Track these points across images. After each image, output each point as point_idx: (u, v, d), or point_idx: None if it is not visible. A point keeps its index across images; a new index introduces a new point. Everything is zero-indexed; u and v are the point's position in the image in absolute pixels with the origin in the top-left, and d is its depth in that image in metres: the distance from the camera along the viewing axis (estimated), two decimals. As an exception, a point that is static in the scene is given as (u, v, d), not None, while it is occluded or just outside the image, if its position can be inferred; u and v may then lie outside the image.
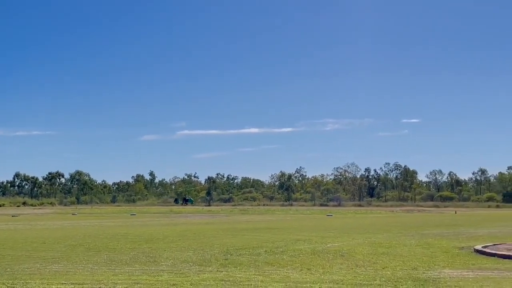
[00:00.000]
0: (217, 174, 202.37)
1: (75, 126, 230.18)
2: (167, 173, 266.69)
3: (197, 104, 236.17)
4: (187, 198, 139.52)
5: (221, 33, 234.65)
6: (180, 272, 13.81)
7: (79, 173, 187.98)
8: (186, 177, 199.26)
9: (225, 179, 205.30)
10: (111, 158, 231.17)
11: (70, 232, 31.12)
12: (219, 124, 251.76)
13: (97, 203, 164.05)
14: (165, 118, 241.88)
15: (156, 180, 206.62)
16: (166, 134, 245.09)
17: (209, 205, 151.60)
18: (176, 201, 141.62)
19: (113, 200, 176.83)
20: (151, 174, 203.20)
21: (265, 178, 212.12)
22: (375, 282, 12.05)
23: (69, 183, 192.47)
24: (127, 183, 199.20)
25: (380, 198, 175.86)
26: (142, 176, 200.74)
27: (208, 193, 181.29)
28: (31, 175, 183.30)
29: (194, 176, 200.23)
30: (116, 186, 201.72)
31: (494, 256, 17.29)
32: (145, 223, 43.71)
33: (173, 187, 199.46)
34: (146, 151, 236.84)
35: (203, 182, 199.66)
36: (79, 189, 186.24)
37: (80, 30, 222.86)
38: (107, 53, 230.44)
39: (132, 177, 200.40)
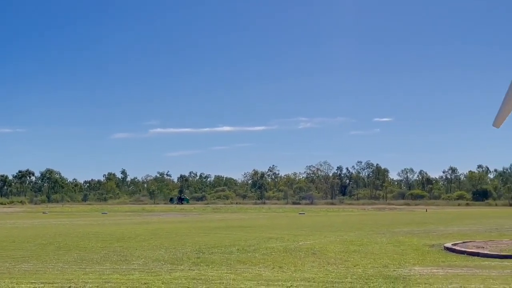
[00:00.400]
0: (190, 173, 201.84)
1: (46, 124, 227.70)
2: (139, 171, 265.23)
3: (170, 102, 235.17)
4: (183, 197, 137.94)
5: (195, 31, 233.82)
6: (152, 271, 13.74)
7: (49, 171, 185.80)
8: (158, 175, 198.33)
9: (198, 177, 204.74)
10: (83, 156, 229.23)
11: (40, 231, 30.76)
12: (192, 122, 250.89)
13: (68, 201, 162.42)
14: (137, 116, 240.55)
15: (128, 179, 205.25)
16: (139, 132, 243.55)
17: (182, 204, 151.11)
18: (171, 200, 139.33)
19: (84, 199, 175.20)
20: (123, 172, 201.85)
21: (238, 176, 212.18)
22: (346, 279, 12.13)
23: (40, 181, 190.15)
24: (99, 181, 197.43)
25: (352, 197, 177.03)
26: (114, 175, 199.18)
27: (181, 192, 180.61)
28: (0, 173, 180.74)
29: (167, 175, 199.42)
30: (88, 184, 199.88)
31: (464, 254, 17.52)
32: (116, 221, 43.41)
33: (145, 185, 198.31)
34: (118, 149, 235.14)
35: (175, 180, 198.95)
36: (49, 188, 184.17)
37: (52, 26, 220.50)
38: (79, 50, 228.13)
39: (104, 175, 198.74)
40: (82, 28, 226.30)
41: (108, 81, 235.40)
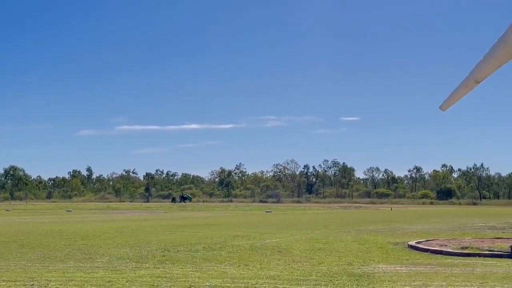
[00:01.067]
0: (156, 170, 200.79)
1: (9, 120, 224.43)
2: (105, 169, 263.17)
3: (137, 99, 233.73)
4: (185, 196, 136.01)
5: (163, 28, 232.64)
6: (116, 269, 13.62)
7: (13, 168, 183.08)
8: (124, 173, 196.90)
9: (164, 175, 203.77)
10: (47, 153, 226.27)
11: (3, 228, 30.26)
12: (159, 119, 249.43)
13: (32, 199, 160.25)
14: (103, 113, 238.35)
15: (94, 176, 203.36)
16: (105, 129, 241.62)
17: (148, 202, 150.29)
18: (173, 200, 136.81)
19: (49, 196, 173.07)
20: (88, 169, 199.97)
21: (205, 174, 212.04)
22: (311, 277, 12.18)
23: (3, 178, 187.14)
24: (63, 178, 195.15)
25: (319, 195, 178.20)
26: (79, 172, 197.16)
27: (147, 190, 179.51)
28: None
29: (133, 172, 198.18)
30: (52, 181, 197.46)
31: (427, 252, 17.74)
32: (81, 219, 42.93)
33: (111, 183, 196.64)
34: (83, 147, 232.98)
35: (142, 178, 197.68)
36: (13, 185, 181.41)
37: (14, 24, 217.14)
38: (44, 47, 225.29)
39: (69, 172, 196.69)
40: (47, 25, 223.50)
41: (75, 78, 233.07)
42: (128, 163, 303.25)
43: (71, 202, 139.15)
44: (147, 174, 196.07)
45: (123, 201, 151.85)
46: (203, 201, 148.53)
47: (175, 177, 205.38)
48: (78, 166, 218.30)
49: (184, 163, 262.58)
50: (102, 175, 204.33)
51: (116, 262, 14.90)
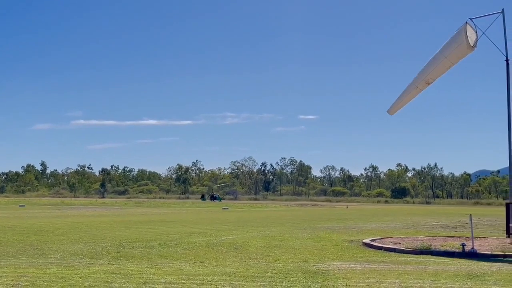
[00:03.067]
0: (112, 166, 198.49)
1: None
2: (59, 164, 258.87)
3: (94, 93, 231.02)
4: (216, 196, 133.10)
5: (122, 23, 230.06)
6: (70, 265, 13.42)
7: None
8: (79, 168, 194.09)
9: (120, 171, 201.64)
10: (0, 147, 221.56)
11: (-48, 223, 29.52)
12: (116, 114, 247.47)
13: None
14: (59, 107, 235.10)
15: (48, 171, 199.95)
16: (60, 123, 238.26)
17: (103, 197, 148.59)
18: (202, 197, 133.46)
19: (1, 191, 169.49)
20: (43, 164, 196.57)
21: (162, 170, 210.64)
22: (266, 274, 12.22)
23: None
24: (17, 173, 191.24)
25: (276, 192, 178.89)
26: (33, 166, 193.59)
27: (102, 185, 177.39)
28: None
29: (88, 168, 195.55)
30: (5, 176, 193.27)
31: (381, 249, 17.98)
32: (34, 215, 42.17)
33: (66, 178, 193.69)
34: (38, 141, 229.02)
35: (97, 174, 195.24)
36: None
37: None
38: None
39: (22, 167, 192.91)
40: (4, 18, 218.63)
41: (29, 70, 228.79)
42: (83, 158, 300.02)
43: (24, 197, 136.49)
44: (103, 170, 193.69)
45: (78, 197, 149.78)
46: (160, 198, 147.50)
47: (132, 173, 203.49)
48: (32, 161, 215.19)
49: (141, 159, 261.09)
50: (56, 170, 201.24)
51: (70, 258, 14.68)
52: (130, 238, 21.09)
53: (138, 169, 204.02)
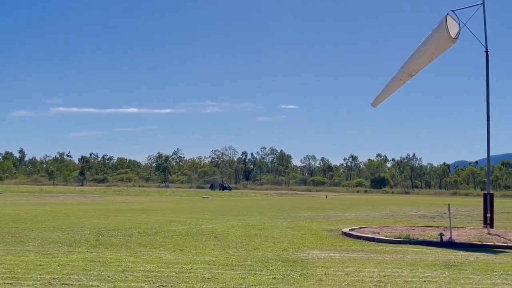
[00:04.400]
0: (91, 154, 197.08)
1: None
2: (38, 151, 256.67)
3: (74, 80, 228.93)
4: (226, 185, 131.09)
5: (104, 10, 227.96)
6: (48, 252, 13.31)
7: None
8: (58, 156, 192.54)
9: (100, 159, 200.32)
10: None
11: None
12: (96, 102, 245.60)
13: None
14: (39, 94, 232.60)
15: (26, 158, 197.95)
16: (39, 110, 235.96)
17: (82, 185, 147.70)
18: (212, 187, 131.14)
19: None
20: (21, 151, 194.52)
21: (142, 159, 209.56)
22: (246, 262, 12.23)
23: None
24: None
25: (256, 182, 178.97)
26: (11, 154, 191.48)
27: (82, 173, 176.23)
28: None
29: (67, 155, 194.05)
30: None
31: (360, 239, 18.09)
32: (12, 202, 41.77)
33: (44, 166, 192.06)
34: (16, 128, 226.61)
35: (76, 161, 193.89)
36: None
37: None
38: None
39: (0, 154, 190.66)
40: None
41: (9, 57, 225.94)
42: (63, 146, 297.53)
43: (2, 184, 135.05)
44: (82, 158, 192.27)
45: (57, 185, 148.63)
46: (139, 186, 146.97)
47: (111, 161, 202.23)
48: (10, 148, 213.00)
49: (121, 147, 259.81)
50: (35, 158, 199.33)
51: (48, 246, 14.57)
52: (109, 226, 20.99)
53: (118, 157, 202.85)
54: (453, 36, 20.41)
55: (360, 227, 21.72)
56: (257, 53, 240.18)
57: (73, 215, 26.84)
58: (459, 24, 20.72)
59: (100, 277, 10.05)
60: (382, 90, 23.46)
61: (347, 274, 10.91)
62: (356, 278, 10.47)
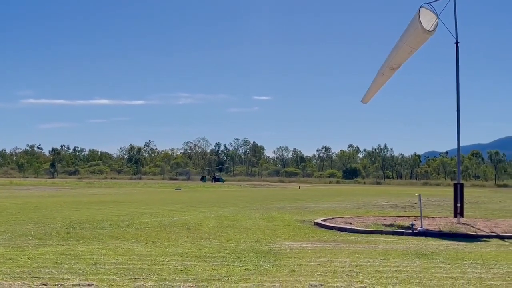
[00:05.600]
0: (62, 146, 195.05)
1: None
2: (8, 143, 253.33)
3: (45, 71, 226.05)
4: (218, 177, 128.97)
5: (74, 1, 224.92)
6: (18, 246, 13.15)
7: None
8: (28, 148, 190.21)
9: (71, 151, 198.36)
10: None
11: None
12: (67, 93, 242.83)
13: None
14: (8, 85, 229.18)
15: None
16: (9, 102, 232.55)
17: (53, 178, 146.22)
18: (203, 178, 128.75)
19: None
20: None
21: (113, 151, 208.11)
22: (219, 254, 12.22)
23: None
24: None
25: (229, 173, 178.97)
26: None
27: (52, 165, 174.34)
28: None
29: (38, 147, 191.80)
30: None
31: (332, 229, 18.19)
32: (-19, 195, 41.19)
33: (14, 158, 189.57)
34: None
35: (47, 154, 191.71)
36: None
37: None
38: None
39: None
40: None
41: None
42: (33, 138, 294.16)
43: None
44: (53, 150, 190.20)
45: (27, 177, 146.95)
46: (111, 178, 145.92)
47: (82, 153, 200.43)
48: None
49: (92, 139, 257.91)
50: (4, 150, 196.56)
51: (18, 239, 14.39)
52: (80, 218, 20.81)
53: (89, 149, 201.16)
54: (428, 28, 20.42)
55: (332, 218, 21.84)
56: (230, 44, 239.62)
57: (44, 208, 26.55)
58: (437, 16, 20.72)
59: (71, 270, 9.95)
60: (370, 85, 23.67)
61: (319, 264, 10.96)
62: (328, 268, 10.52)
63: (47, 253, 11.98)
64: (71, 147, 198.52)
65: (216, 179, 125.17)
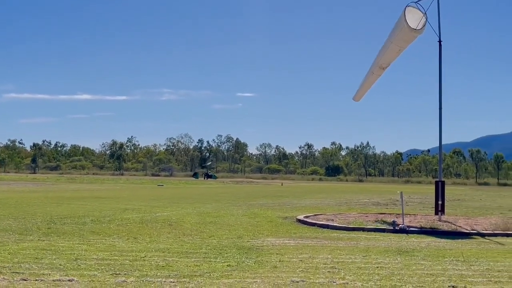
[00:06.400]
0: (44, 141, 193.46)
1: None
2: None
3: (27, 66, 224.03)
4: (211, 174, 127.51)
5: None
6: (-2, 241, 13.03)
7: None
8: (9, 143, 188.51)
9: (52, 146, 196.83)
10: None
11: None
12: (49, 88, 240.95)
13: None
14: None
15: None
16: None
17: (34, 173, 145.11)
18: (195, 175, 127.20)
19: None
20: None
21: (96, 146, 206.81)
22: (201, 250, 12.20)
23: None
24: None
25: (212, 170, 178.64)
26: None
27: (34, 161, 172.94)
28: None
29: (19, 142, 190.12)
30: None
31: (314, 226, 18.24)
32: (-39, 190, 40.77)
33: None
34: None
35: (28, 149, 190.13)
36: None
37: None
38: None
39: None
40: None
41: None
42: (14, 133, 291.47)
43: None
44: (34, 145, 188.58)
45: (8, 172, 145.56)
46: (93, 174, 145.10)
47: (64, 149, 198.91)
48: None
49: (74, 134, 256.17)
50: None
51: (-2, 235, 14.26)
52: (61, 214, 20.67)
53: (71, 145, 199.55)
54: (415, 27, 20.41)
55: (315, 215, 21.90)
56: (215, 40, 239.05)
57: (25, 203, 26.34)
58: (424, 14, 20.73)
59: (52, 266, 9.88)
60: (360, 84, 23.76)
61: (301, 260, 10.98)
62: (310, 264, 10.55)
63: (28, 248, 11.89)
64: (53, 142, 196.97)
65: (208, 176, 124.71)
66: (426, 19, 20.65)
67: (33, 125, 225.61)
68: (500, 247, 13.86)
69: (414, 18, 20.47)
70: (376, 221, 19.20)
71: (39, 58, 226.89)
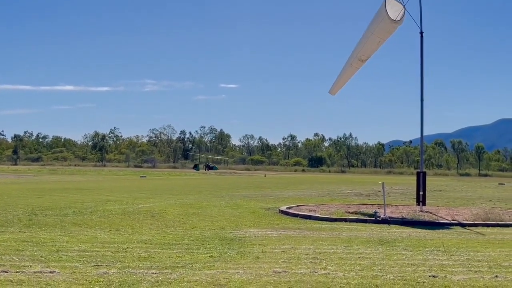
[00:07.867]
0: (25, 132, 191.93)
1: None
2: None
3: (8, 56, 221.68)
4: (211, 165, 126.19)
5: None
6: (-22, 233, 12.92)
7: None
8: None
9: (34, 137, 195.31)
10: None
11: None
12: (30, 79, 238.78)
13: None
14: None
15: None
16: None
17: (16, 164, 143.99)
18: (195, 167, 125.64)
19: None
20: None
21: (77, 138, 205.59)
22: (183, 241, 12.18)
23: None
24: None
25: (195, 161, 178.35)
26: None
27: (15, 152, 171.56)
28: None
29: (0, 134, 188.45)
30: None
31: (297, 217, 18.29)
32: None
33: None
34: None
35: (9, 140, 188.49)
36: None
37: None
38: None
39: None
40: None
41: None
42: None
43: None
44: (16, 136, 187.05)
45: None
46: (75, 165, 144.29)
47: (46, 140, 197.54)
48: None
49: (56, 125, 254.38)
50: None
51: (-22, 227, 14.14)
52: (43, 205, 20.55)
53: (53, 136, 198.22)
54: (395, 18, 20.49)
55: (297, 206, 21.97)
56: (197, 31, 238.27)
57: (6, 195, 26.14)
58: (403, 5, 20.79)
59: (33, 257, 9.82)
60: (337, 77, 23.61)
61: (283, 251, 11.01)
62: (292, 255, 10.58)
63: (9, 240, 11.80)
64: (34, 134, 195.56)
65: (210, 167, 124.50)
66: (405, 10, 20.71)
67: (15, 116, 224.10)
68: (481, 237, 14.00)
69: (394, 9, 20.53)
70: (357, 212, 19.30)
71: (20, 49, 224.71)
